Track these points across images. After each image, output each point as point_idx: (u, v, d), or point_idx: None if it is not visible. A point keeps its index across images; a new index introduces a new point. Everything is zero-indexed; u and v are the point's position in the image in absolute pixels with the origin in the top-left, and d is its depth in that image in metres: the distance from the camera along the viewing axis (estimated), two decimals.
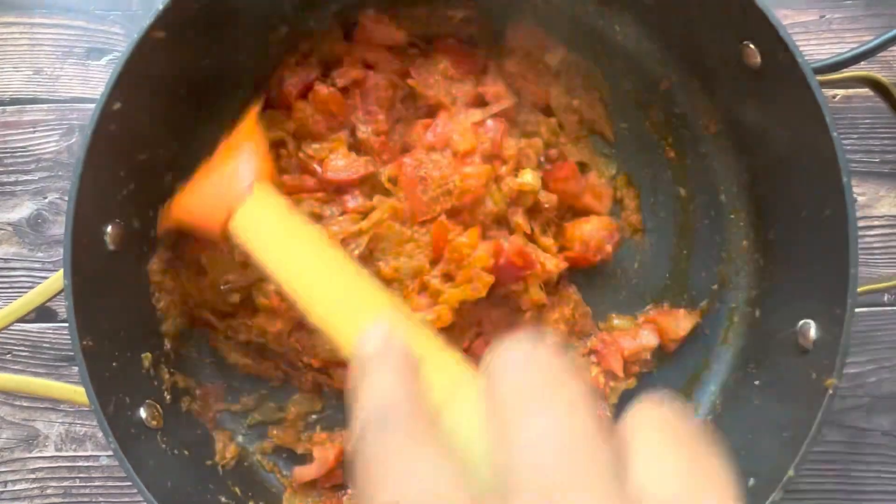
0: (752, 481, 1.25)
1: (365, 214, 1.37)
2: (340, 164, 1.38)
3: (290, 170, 1.43)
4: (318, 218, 1.37)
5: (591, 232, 1.42)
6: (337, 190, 1.41)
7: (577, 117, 1.46)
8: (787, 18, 1.56)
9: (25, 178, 1.56)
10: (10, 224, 1.56)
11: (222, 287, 1.37)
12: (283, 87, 1.45)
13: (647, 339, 1.46)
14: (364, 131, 1.41)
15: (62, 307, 1.52)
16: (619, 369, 1.45)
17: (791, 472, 1.16)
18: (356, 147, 1.42)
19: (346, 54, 1.46)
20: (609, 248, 1.44)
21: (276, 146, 1.45)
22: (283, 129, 1.44)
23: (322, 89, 1.42)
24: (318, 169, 1.40)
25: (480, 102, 1.42)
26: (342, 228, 1.35)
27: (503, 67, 1.45)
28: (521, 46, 1.46)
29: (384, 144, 1.40)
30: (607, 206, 1.47)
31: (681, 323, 1.47)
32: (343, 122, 1.44)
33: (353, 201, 1.37)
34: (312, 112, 1.42)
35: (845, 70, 1.37)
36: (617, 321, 1.48)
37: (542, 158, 1.43)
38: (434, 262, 1.35)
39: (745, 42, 1.27)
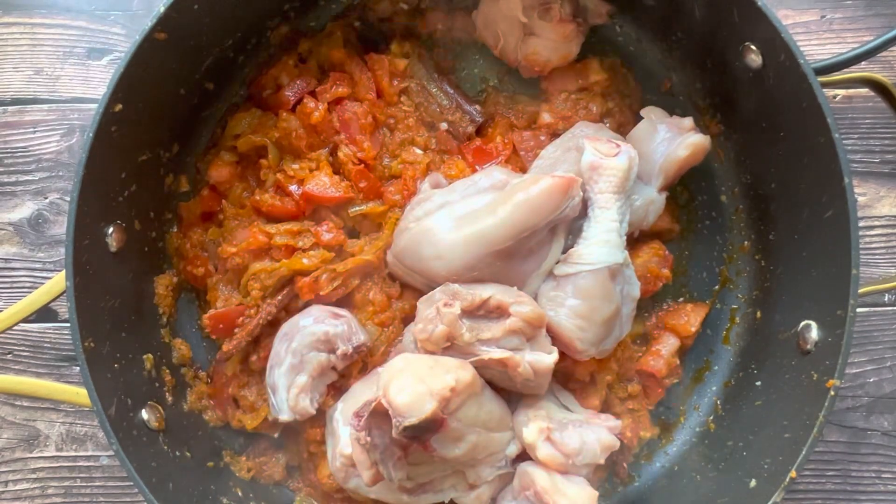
0: (753, 482, 1.25)
1: (337, 248, 1.39)
2: (324, 180, 1.39)
3: (267, 185, 1.44)
4: (290, 250, 1.38)
5: (644, 265, 1.42)
6: (313, 215, 1.42)
7: (613, 122, 1.46)
8: (787, 19, 1.56)
9: (26, 178, 1.56)
10: (10, 224, 1.55)
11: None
12: (280, 93, 1.45)
13: (668, 345, 1.47)
14: (346, 153, 1.42)
15: (63, 307, 1.52)
16: (648, 426, 1.47)
17: (793, 474, 1.17)
18: (335, 168, 1.43)
19: (345, 61, 1.47)
20: (666, 271, 1.44)
21: (258, 155, 1.46)
22: (268, 136, 1.44)
23: (310, 104, 1.42)
24: (296, 190, 1.41)
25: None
26: (312, 263, 1.36)
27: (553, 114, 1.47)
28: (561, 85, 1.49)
29: (362, 173, 1.41)
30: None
31: (690, 318, 1.47)
32: (325, 141, 1.45)
33: (328, 234, 1.38)
34: (297, 126, 1.43)
35: (846, 70, 1.37)
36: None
37: None
38: None
39: (746, 43, 1.27)
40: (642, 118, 1.42)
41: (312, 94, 1.44)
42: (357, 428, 1.14)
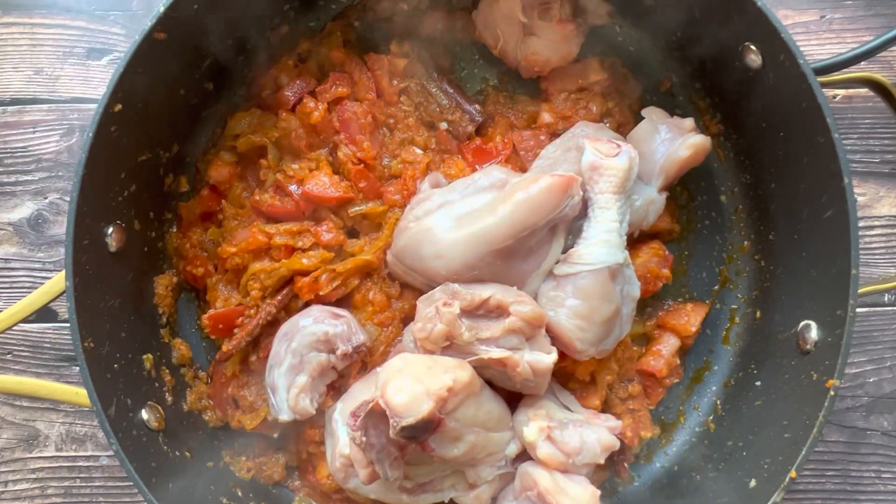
0: (753, 482, 1.25)
1: (337, 248, 1.38)
2: (324, 180, 1.39)
3: (266, 185, 1.44)
4: (290, 250, 1.38)
5: (644, 265, 1.42)
6: (313, 214, 1.42)
7: (613, 122, 1.46)
8: (787, 19, 1.56)
9: (26, 178, 1.56)
10: (10, 224, 1.55)
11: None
12: (280, 93, 1.45)
13: (669, 345, 1.47)
14: (346, 152, 1.41)
15: (63, 307, 1.52)
16: (649, 426, 1.47)
17: (793, 474, 1.17)
18: (335, 168, 1.43)
19: (345, 61, 1.47)
20: (666, 271, 1.44)
21: (258, 155, 1.46)
22: (268, 136, 1.44)
23: (309, 104, 1.42)
24: (296, 190, 1.41)
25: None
26: (312, 263, 1.36)
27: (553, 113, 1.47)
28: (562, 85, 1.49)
29: (362, 173, 1.41)
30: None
31: (690, 318, 1.47)
32: (325, 141, 1.45)
33: (328, 234, 1.38)
34: (297, 126, 1.43)
35: (846, 70, 1.37)
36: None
37: None
38: None
39: (746, 43, 1.27)
40: (642, 118, 1.42)
41: (312, 94, 1.44)
42: (353, 427, 1.14)
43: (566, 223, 1.32)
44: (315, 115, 1.41)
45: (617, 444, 1.29)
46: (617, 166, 1.28)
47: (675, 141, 1.37)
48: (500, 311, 1.26)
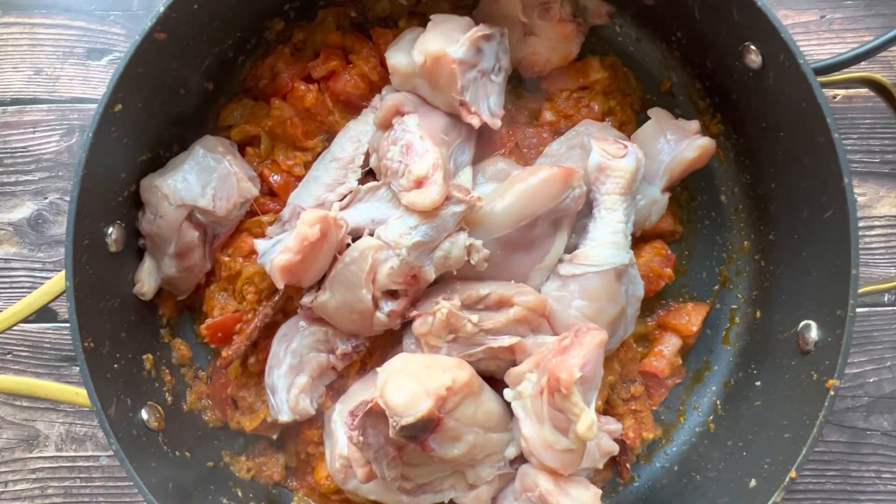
0: (753, 482, 1.25)
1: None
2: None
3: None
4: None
5: (647, 264, 1.42)
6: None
7: (615, 121, 1.45)
8: (787, 19, 1.56)
9: (26, 178, 1.56)
10: (10, 224, 1.55)
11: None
12: (277, 79, 1.44)
13: (671, 345, 1.47)
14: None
15: (63, 307, 1.52)
16: (651, 427, 1.46)
17: (793, 474, 1.17)
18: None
19: (342, 41, 1.46)
20: (669, 270, 1.44)
21: (249, 143, 1.45)
22: (261, 125, 1.43)
23: (301, 87, 1.42)
24: (276, 179, 1.41)
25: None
26: None
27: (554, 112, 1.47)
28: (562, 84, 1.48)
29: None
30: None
31: (691, 317, 1.47)
32: (322, 124, 1.44)
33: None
34: (291, 113, 1.42)
35: (846, 70, 1.37)
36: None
37: None
38: None
39: (745, 43, 1.27)
40: (644, 117, 1.42)
41: (305, 78, 1.44)
42: (351, 427, 1.14)
43: (570, 218, 1.32)
44: (308, 97, 1.40)
45: (616, 450, 1.30)
46: (624, 167, 1.29)
47: (680, 143, 1.38)
48: (500, 305, 1.26)
